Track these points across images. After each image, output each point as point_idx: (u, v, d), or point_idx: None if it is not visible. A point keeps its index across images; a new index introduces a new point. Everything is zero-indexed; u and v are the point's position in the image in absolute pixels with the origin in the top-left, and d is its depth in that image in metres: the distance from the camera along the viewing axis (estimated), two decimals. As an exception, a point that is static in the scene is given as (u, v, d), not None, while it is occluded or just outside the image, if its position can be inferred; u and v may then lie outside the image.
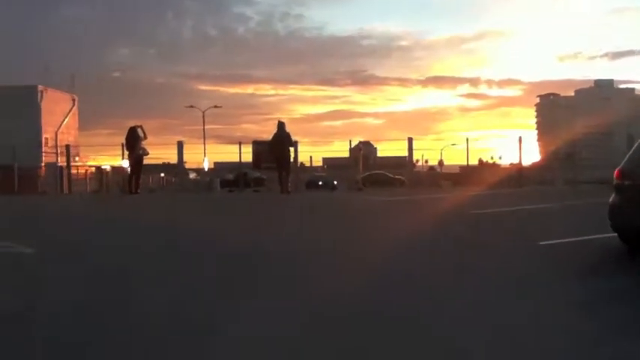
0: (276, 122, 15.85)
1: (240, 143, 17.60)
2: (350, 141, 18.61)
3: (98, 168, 24.89)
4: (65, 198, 16.74)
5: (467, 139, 19.78)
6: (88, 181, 19.17)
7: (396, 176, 23.83)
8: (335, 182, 23.25)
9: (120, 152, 16.33)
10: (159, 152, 19.41)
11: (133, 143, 14.98)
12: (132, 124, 15.20)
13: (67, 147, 18.71)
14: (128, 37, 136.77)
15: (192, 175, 24.15)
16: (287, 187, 14.95)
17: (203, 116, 52.66)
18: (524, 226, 7.96)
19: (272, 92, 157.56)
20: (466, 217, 8.87)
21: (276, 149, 15.32)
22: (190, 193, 16.49)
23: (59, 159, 23.53)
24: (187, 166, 35.10)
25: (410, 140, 17.02)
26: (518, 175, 18.25)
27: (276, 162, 15.45)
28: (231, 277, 4.71)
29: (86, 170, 20.72)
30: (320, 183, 22.45)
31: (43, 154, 28.73)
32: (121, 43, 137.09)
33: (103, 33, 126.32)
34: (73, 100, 40.06)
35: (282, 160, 15.23)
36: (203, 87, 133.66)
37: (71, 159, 18.49)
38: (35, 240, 6.30)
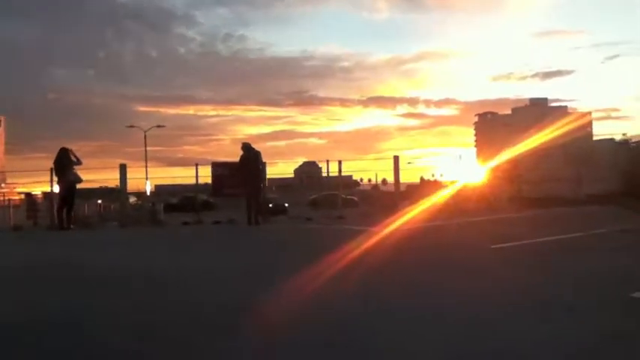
0: (240, 145, 14.14)
1: (197, 165, 15.67)
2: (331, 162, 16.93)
3: (28, 195, 22.90)
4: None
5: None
6: (11, 211, 15.77)
7: (349, 197, 23.29)
8: (286, 205, 21.87)
9: (50, 177, 14.03)
10: (96, 176, 17.73)
11: (64, 167, 12.89)
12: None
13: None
14: (66, 57, 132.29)
15: (132, 200, 22.53)
16: (257, 217, 13.35)
17: (145, 137, 51.10)
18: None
19: (213, 113, 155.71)
20: (503, 252, 7.43)
21: (245, 172, 13.75)
22: (135, 225, 13.58)
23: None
24: (127, 189, 33.12)
25: (396, 159, 16.12)
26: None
27: (245, 187, 13.70)
28: None
29: (9, 200, 17.68)
30: (270, 205, 21.35)
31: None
32: (59, 64, 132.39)
33: (39, 53, 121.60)
34: (-1, 122, 37.16)
35: (252, 186, 13.61)
36: (143, 108, 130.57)
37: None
38: None
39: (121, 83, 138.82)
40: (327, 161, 17.54)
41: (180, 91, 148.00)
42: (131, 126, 54.44)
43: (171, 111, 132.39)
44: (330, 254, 7.17)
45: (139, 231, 12.96)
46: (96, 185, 22.17)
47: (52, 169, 13.37)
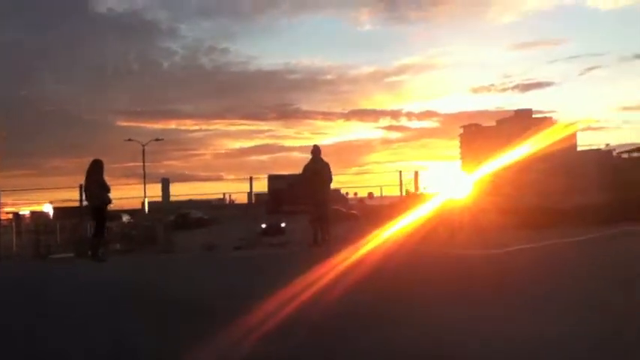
0: (312, 147, 11.82)
1: (251, 178, 13.44)
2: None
3: (16, 215, 22.54)
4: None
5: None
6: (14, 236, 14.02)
7: (351, 211, 23.12)
8: (283, 224, 19.71)
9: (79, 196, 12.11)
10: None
11: (99, 186, 10.75)
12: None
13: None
14: (44, 69, 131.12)
15: (125, 218, 22.31)
16: (325, 238, 11.25)
17: (143, 151, 50.45)
18: None
19: (195, 127, 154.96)
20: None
21: (313, 184, 11.40)
22: (142, 248, 11.96)
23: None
24: (116, 207, 32.56)
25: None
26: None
27: (312, 203, 11.47)
28: None
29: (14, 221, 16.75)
30: (263, 226, 19.69)
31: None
32: (36, 75, 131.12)
33: (18, 65, 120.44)
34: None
35: (320, 201, 11.42)
36: (124, 123, 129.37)
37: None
38: None
39: (102, 97, 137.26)
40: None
41: (162, 106, 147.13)
42: (129, 139, 53.87)
43: (153, 126, 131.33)
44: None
45: (182, 261, 10.63)
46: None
47: (80, 186, 11.65)
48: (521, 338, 4.12)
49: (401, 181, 15.61)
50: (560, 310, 4.95)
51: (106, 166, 11.02)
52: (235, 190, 19.73)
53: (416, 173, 15.61)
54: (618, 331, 4.29)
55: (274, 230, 17.23)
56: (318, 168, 11.66)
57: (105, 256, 11.03)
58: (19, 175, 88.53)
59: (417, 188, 16.25)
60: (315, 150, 11.75)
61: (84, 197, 11.23)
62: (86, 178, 11.11)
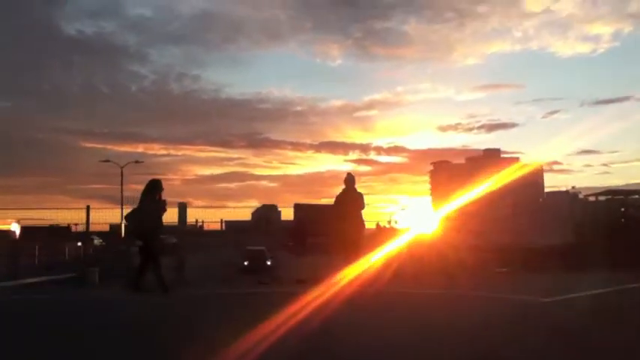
0: (345, 176, 10.75)
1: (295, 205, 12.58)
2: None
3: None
4: None
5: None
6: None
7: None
8: (269, 262, 17.94)
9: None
10: (40, 213, 16.17)
11: (157, 206, 9.51)
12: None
13: None
14: (7, 87, 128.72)
15: (96, 241, 21.76)
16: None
17: (121, 173, 48.83)
18: None
19: (164, 152, 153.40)
20: None
21: (347, 214, 10.23)
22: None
23: None
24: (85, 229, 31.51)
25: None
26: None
27: (342, 234, 10.24)
28: None
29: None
30: (246, 263, 17.79)
31: None
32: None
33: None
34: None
35: (352, 232, 10.20)
36: (89, 144, 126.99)
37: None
38: None
39: (66, 117, 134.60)
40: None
41: (129, 129, 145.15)
42: (106, 160, 52.33)
43: (120, 149, 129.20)
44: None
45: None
46: (45, 224, 20.84)
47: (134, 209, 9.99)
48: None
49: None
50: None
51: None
52: (204, 216, 19.62)
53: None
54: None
55: (258, 268, 16.34)
56: (352, 196, 10.56)
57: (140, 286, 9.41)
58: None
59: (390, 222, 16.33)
60: (349, 179, 10.66)
61: (134, 221, 9.67)
62: (140, 199, 9.82)
